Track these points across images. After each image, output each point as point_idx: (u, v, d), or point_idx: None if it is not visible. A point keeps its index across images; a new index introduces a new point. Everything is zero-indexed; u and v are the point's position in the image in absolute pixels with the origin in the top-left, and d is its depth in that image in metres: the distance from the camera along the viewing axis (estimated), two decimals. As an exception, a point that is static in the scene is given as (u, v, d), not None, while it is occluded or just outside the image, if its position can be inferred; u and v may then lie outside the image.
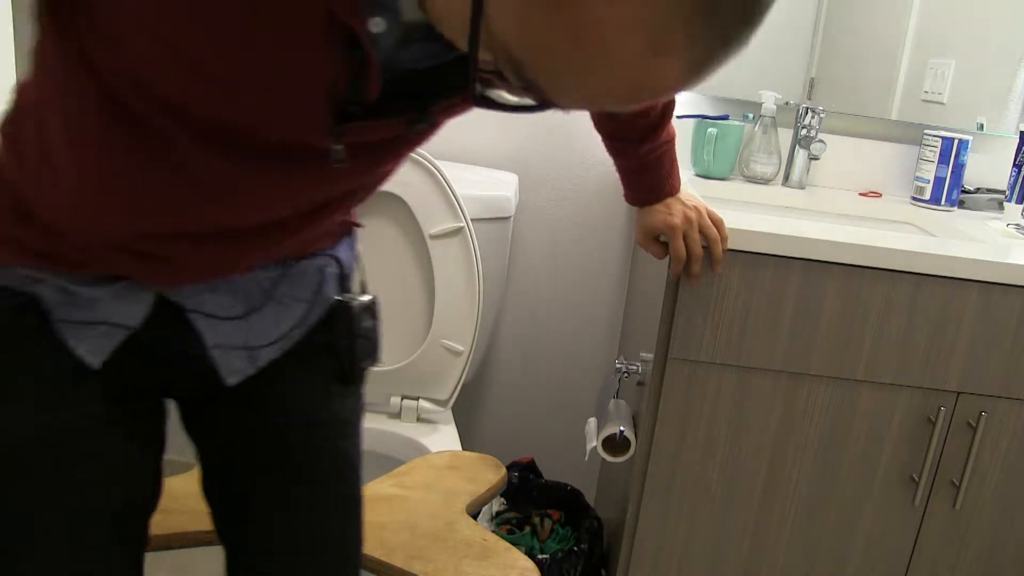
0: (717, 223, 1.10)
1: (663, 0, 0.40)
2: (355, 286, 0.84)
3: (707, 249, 1.10)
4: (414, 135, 0.62)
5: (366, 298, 0.83)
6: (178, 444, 1.52)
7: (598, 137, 1.76)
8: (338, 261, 0.81)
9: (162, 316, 0.70)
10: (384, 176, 0.71)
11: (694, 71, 0.44)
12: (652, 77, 0.44)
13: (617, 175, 1.11)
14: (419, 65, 0.56)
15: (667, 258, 1.12)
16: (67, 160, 0.60)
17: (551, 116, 1.63)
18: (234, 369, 0.75)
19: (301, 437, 0.80)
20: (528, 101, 0.51)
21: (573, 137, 1.65)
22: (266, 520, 0.79)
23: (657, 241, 1.12)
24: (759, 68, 1.61)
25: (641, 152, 1.05)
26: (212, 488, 0.83)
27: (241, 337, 0.74)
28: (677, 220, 1.07)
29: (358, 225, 0.87)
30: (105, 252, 0.65)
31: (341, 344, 0.81)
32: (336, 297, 0.80)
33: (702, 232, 1.09)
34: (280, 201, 0.64)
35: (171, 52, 0.51)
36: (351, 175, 0.64)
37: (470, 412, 1.82)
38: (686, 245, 1.08)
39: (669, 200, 1.10)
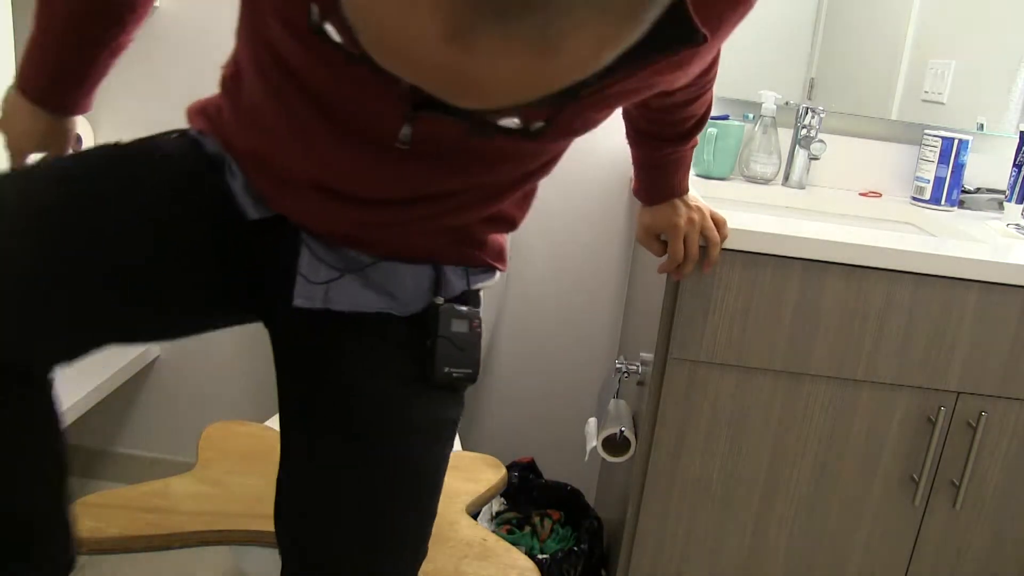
0: (719, 223, 1.11)
1: None
2: (458, 300, 0.89)
3: (704, 248, 1.10)
4: (478, 145, 0.71)
5: (462, 307, 0.87)
6: (178, 444, 1.52)
7: (598, 137, 1.77)
8: (437, 272, 0.87)
9: (279, 226, 0.83)
10: (477, 196, 0.81)
11: (456, 35, 0.38)
12: (407, 31, 0.39)
13: (632, 168, 1.11)
14: None
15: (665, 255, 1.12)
16: (243, 94, 0.79)
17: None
18: (305, 294, 0.83)
19: (351, 403, 0.82)
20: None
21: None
22: (307, 470, 0.81)
23: (657, 239, 1.12)
24: (759, 68, 1.61)
25: (665, 152, 1.06)
26: (282, 421, 0.87)
27: (324, 275, 0.83)
28: (681, 222, 1.08)
29: (496, 267, 0.94)
30: (254, 165, 0.82)
31: (423, 341, 0.85)
32: (435, 300, 0.86)
33: (703, 234, 1.09)
34: (367, 175, 0.75)
35: (292, 35, 0.66)
36: (425, 168, 0.74)
37: (470, 412, 1.82)
38: (685, 247, 1.09)
39: (675, 201, 1.11)
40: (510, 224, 0.92)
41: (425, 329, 0.86)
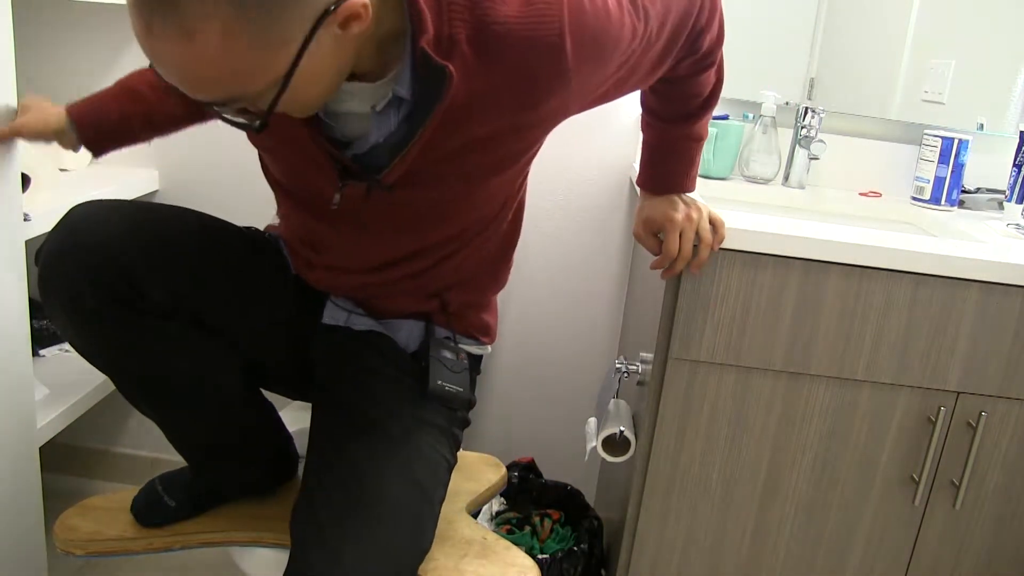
0: (717, 223, 1.11)
1: None
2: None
3: (696, 248, 1.10)
4: (383, 198, 0.91)
5: (451, 343, 1.08)
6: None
7: (597, 137, 1.77)
8: (428, 326, 1.08)
9: (311, 294, 1.08)
10: (438, 258, 1.01)
11: (148, 28, 0.66)
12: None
13: (635, 171, 1.17)
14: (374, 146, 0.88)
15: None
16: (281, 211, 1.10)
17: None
18: (331, 316, 1.08)
19: (362, 393, 1.01)
20: None
21: (573, 137, 1.65)
22: (322, 444, 0.98)
23: (654, 236, 1.12)
24: (759, 68, 1.61)
25: (672, 132, 1.11)
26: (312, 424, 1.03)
27: (345, 315, 1.09)
28: (679, 217, 1.08)
29: (479, 339, 1.14)
30: (290, 251, 1.09)
31: (420, 362, 1.05)
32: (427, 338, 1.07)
33: (697, 233, 1.09)
34: (347, 246, 1.00)
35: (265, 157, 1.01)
36: (377, 235, 0.98)
37: (470, 412, 1.82)
38: (679, 243, 1.09)
39: (675, 197, 1.11)
40: (481, 292, 1.11)
41: (421, 356, 1.06)
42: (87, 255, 0.90)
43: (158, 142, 1.68)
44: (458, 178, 0.92)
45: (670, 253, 1.09)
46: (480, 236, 1.03)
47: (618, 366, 1.35)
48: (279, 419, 1.16)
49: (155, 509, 1.10)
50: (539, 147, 0.97)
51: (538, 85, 0.83)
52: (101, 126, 1.09)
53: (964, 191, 1.60)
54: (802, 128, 1.56)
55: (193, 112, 1.11)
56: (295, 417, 1.45)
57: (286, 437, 1.17)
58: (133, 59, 1.64)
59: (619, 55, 0.88)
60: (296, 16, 0.68)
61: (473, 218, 1.00)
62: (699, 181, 1.55)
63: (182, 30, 0.65)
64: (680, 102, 1.08)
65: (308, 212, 0.99)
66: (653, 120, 1.13)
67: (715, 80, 1.09)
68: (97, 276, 0.90)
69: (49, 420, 1.37)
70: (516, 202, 1.06)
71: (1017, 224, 1.45)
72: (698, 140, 1.12)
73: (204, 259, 0.99)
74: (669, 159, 1.12)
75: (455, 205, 0.96)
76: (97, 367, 0.99)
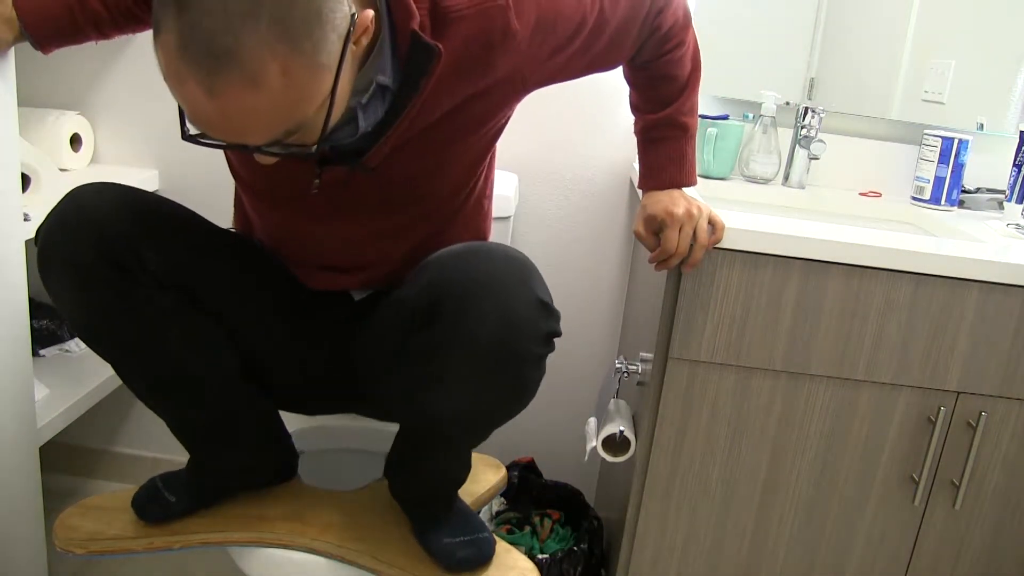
0: (717, 225, 1.11)
1: None
2: None
3: (691, 247, 1.10)
4: (362, 179, 0.97)
5: None
6: (178, 444, 1.52)
7: (597, 138, 1.77)
8: None
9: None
10: (380, 226, 1.05)
11: (179, 56, 0.69)
12: (160, 57, 0.71)
13: (634, 175, 1.19)
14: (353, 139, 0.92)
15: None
16: (250, 219, 1.15)
17: (551, 115, 1.63)
18: (358, 296, 1.16)
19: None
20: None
21: (573, 137, 1.65)
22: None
23: (656, 235, 1.12)
24: (759, 68, 1.61)
25: (650, 123, 1.15)
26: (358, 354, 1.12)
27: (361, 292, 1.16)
28: (679, 212, 1.08)
29: None
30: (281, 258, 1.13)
31: None
32: None
33: (694, 231, 1.09)
34: (333, 236, 1.05)
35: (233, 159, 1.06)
36: (360, 223, 1.03)
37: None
38: (678, 239, 1.09)
39: (675, 192, 1.12)
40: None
41: None
42: (89, 223, 0.93)
43: (158, 142, 1.69)
44: (431, 150, 0.97)
45: (668, 248, 1.09)
46: (456, 218, 1.08)
47: (618, 366, 1.35)
48: (278, 413, 1.16)
49: (155, 504, 1.10)
50: (505, 121, 1.03)
51: (492, 48, 0.91)
52: (53, 28, 1.07)
53: (964, 191, 1.60)
54: (802, 128, 1.56)
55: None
56: (295, 417, 1.45)
57: (286, 433, 1.17)
58: (133, 58, 1.64)
59: (570, 22, 0.95)
60: (332, 39, 0.74)
61: (446, 190, 1.04)
62: (700, 181, 1.55)
63: (246, 80, 0.69)
64: (655, 88, 1.14)
65: (287, 209, 1.03)
66: (638, 115, 1.18)
67: (691, 67, 1.14)
68: (99, 241, 0.92)
69: (49, 420, 1.37)
70: (483, 179, 1.11)
71: (1017, 224, 1.45)
72: (683, 128, 1.14)
73: (200, 236, 1.03)
74: (658, 148, 1.15)
75: (428, 178, 1.01)
76: (94, 345, 0.99)
